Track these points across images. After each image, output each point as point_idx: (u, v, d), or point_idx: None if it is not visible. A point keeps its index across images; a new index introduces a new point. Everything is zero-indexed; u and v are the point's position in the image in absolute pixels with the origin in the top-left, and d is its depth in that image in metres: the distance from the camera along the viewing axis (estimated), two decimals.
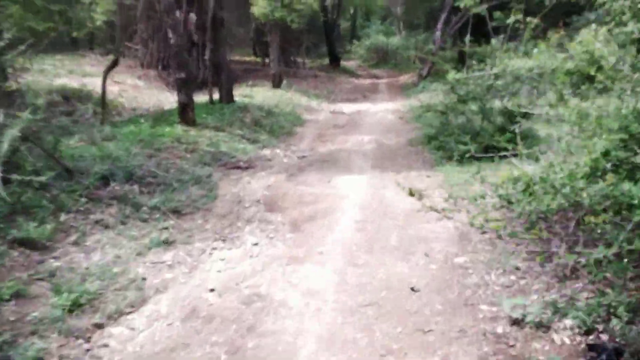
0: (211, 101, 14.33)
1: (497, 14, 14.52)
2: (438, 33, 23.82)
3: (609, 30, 3.98)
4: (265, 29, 22.83)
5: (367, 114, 16.69)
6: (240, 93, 17.95)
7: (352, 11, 68.07)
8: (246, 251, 5.44)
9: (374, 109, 17.93)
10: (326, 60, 34.95)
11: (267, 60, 29.67)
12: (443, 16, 23.66)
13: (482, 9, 18.15)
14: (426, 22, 29.97)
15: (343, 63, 37.74)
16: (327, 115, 16.27)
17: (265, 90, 19.33)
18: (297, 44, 32.57)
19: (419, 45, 37.73)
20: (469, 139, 8.80)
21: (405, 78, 29.76)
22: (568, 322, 3.66)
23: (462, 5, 17.87)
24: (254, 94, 17.84)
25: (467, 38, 19.20)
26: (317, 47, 36.48)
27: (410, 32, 45.89)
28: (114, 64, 11.77)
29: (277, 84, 19.97)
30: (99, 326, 3.95)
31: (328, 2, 34.10)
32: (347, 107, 18.33)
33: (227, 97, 14.34)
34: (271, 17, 19.11)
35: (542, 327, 3.73)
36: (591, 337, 3.54)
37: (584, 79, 4.19)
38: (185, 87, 11.16)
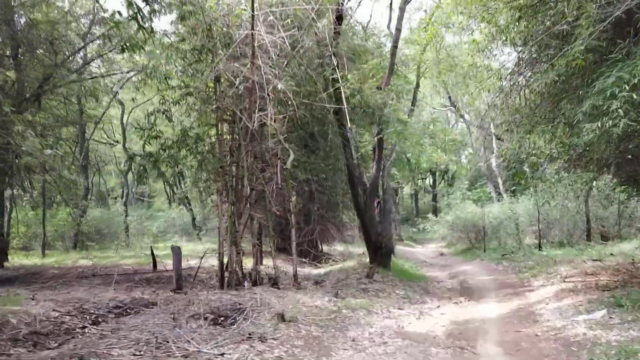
0: None
1: None
2: None
3: None
4: None
5: None
6: None
7: (428, 177, 50.13)
8: None
9: None
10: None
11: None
12: None
13: None
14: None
15: (415, 250, 18.92)
16: None
17: None
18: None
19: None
20: None
21: (544, 299, 9.76)
22: None
23: None
24: None
25: None
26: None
27: (515, 194, 26.50)
28: None
29: None
30: None
31: (355, 157, 15.93)
32: None
33: None
34: None
35: None
36: None
37: None
38: None
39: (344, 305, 9.64)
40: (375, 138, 14.37)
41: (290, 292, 10.66)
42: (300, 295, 10.25)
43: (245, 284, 11.52)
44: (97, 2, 15.36)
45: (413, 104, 20.68)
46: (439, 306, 10.82)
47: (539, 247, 18.17)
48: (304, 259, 18.87)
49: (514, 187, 30.64)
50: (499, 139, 30.60)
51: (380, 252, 14.97)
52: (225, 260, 11.37)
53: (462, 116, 31.26)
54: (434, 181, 48.93)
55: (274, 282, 11.73)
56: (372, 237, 14.96)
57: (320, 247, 22.04)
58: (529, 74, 8.66)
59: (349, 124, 12.29)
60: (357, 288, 11.71)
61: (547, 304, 9.43)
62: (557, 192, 21.20)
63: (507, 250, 19.03)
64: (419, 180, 47.03)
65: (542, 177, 17.92)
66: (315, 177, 19.57)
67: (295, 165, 18.07)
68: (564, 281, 11.17)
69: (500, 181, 27.73)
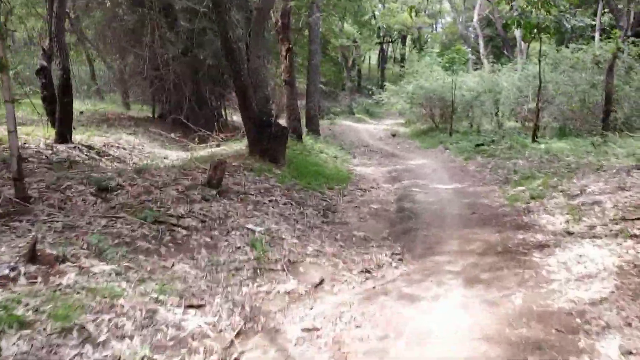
0: None
1: None
2: None
3: None
4: None
5: None
6: None
7: (397, 41, 41.89)
8: None
9: None
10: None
11: None
12: None
13: None
14: None
15: (363, 127, 15.88)
16: None
17: None
18: None
19: None
20: None
21: (599, 300, 3.09)
22: None
23: None
24: None
25: None
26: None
27: (500, 61, 19.52)
28: None
29: None
30: None
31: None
32: None
33: None
34: None
35: None
36: None
37: None
38: None
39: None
40: None
41: None
42: None
43: None
44: None
45: None
46: (321, 283, 4.18)
47: (534, 137, 11.43)
48: (177, 135, 11.93)
49: (500, 50, 23.41)
50: None
51: (267, 136, 8.00)
52: None
53: None
54: (404, 47, 40.96)
55: None
56: (253, 107, 7.87)
57: (224, 116, 15.05)
58: None
59: None
60: (170, 213, 4.89)
61: (619, 335, 2.74)
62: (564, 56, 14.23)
63: (485, 138, 12.30)
64: (386, 45, 38.96)
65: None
66: None
67: None
68: (631, 234, 4.50)
69: (481, 43, 20.30)
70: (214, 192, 5.93)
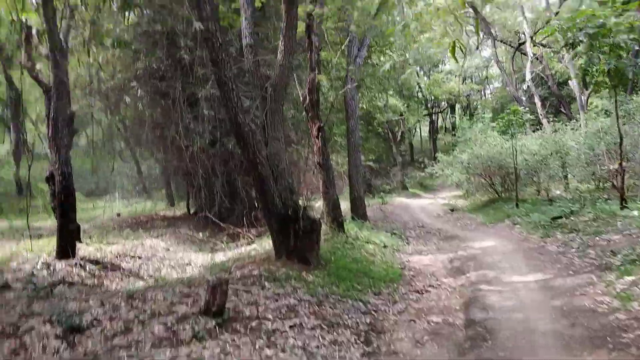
0: None
1: None
2: None
3: None
4: None
5: None
6: None
7: (446, 111, 40.66)
8: None
9: None
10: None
11: None
12: None
13: None
14: None
15: (417, 203, 16.36)
16: None
17: None
18: None
19: None
20: None
21: None
22: None
23: None
24: None
25: None
26: None
27: (560, 119, 17.70)
28: None
29: None
30: None
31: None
32: None
33: None
34: None
35: None
36: None
37: None
38: None
39: None
40: None
41: None
42: None
43: None
44: None
45: None
46: None
47: (622, 201, 9.37)
48: (205, 235, 10.74)
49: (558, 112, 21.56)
50: (535, 57, 21.29)
51: (294, 233, 6.56)
52: None
53: (485, 27, 21.72)
54: (454, 116, 39.60)
55: None
56: (275, 200, 6.51)
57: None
58: None
59: None
60: None
61: None
62: None
63: (562, 209, 10.28)
64: (435, 115, 37.81)
65: None
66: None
67: None
68: None
69: (537, 102, 18.56)
70: (213, 322, 4.42)
